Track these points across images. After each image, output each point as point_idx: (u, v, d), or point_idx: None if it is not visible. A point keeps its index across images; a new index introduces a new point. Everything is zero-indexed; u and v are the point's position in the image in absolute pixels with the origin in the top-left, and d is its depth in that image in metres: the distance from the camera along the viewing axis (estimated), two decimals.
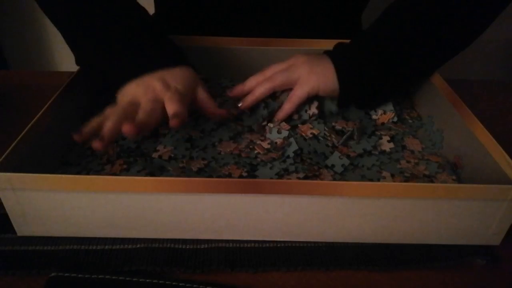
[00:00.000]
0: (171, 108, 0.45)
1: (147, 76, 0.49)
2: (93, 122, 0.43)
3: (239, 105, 0.54)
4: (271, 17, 0.71)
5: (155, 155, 0.48)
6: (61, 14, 0.54)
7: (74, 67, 0.55)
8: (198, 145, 0.50)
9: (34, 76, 0.72)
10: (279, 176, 0.46)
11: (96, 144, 0.40)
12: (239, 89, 0.56)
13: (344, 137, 0.52)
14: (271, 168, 0.47)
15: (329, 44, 0.65)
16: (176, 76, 0.50)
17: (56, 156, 0.48)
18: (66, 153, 0.49)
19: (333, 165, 0.48)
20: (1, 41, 1.41)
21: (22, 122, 0.44)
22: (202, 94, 0.52)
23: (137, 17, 0.54)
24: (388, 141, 0.53)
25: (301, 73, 0.54)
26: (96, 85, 0.57)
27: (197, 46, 0.64)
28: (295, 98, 0.53)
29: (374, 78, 0.54)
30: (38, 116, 0.44)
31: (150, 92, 0.47)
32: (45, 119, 0.45)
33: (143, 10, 0.55)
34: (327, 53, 0.56)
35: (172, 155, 0.48)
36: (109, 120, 0.43)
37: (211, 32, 0.66)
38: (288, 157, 0.48)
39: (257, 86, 0.54)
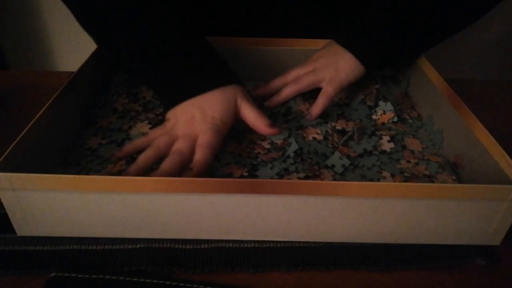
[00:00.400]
0: (198, 154, 0.46)
1: (190, 102, 0.49)
2: (137, 143, 0.49)
3: (265, 104, 0.57)
4: (270, 17, 0.71)
5: None
6: (105, 32, 0.54)
7: (73, 67, 0.55)
8: None
9: (34, 76, 0.72)
10: (280, 176, 0.46)
11: (130, 170, 0.44)
12: (262, 89, 0.59)
13: (345, 137, 0.52)
14: (271, 168, 0.47)
15: None
16: (217, 102, 0.49)
17: (56, 156, 0.48)
18: (66, 153, 0.49)
19: (333, 165, 0.48)
20: (1, 41, 1.41)
21: (22, 122, 0.44)
22: (248, 113, 0.50)
23: (179, 32, 0.53)
24: (388, 141, 0.53)
25: (327, 73, 0.57)
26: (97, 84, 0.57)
27: None
28: (330, 92, 0.56)
29: (388, 43, 0.58)
30: (38, 116, 0.44)
31: (188, 125, 0.48)
32: (45, 119, 0.45)
33: (181, 20, 0.54)
34: (337, 41, 0.59)
35: None
36: (145, 153, 0.46)
37: (211, 32, 0.66)
38: (288, 157, 0.48)
39: (280, 87, 0.58)
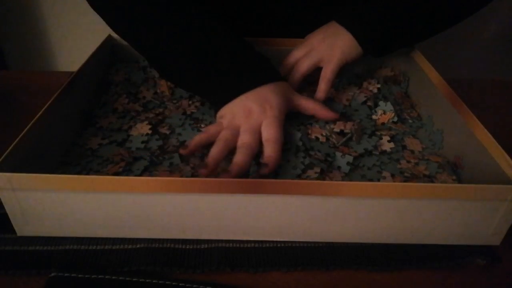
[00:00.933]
0: (270, 150, 0.46)
1: (244, 96, 0.50)
2: (198, 139, 0.47)
3: None
4: (270, 16, 0.71)
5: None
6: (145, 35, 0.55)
7: (73, 67, 0.55)
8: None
9: (34, 76, 0.72)
10: (299, 175, 0.46)
11: (202, 171, 0.44)
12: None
13: (344, 139, 0.52)
14: (294, 168, 0.47)
15: None
16: (272, 94, 0.51)
17: (56, 156, 0.48)
18: (66, 153, 0.49)
19: (339, 167, 0.48)
20: (1, 41, 1.41)
21: (22, 122, 0.44)
22: (304, 101, 0.53)
23: (221, 34, 0.54)
24: (388, 141, 0.53)
25: (324, 52, 0.57)
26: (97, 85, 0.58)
27: None
28: (329, 75, 0.56)
29: (387, 27, 0.58)
30: (38, 116, 0.44)
31: (248, 118, 0.49)
32: (45, 119, 0.45)
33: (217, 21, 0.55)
34: (337, 21, 0.59)
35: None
36: (215, 148, 0.46)
37: None
38: (297, 149, 0.49)
39: (284, 74, 0.58)
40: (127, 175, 0.46)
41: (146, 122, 0.53)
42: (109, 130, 0.53)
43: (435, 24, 0.61)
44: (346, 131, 0.53)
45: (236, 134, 0.48)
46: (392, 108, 0.57)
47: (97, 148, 0.50)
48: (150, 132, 0.52)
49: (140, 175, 0.46)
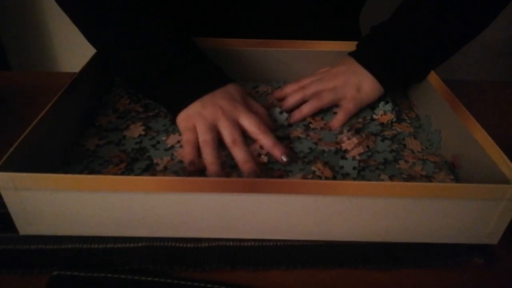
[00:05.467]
0: (268, 141, 0.50)
1: (210, 96, 0.51)
2: (191, 156, 0.47)
3: (286, 119, 0.56)
4: (269, 17, 0.71)
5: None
6: (103, 37, 0.56)
7: (75, 68, 0.56)
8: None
9: (36, 77, 0.72)
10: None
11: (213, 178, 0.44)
12: (279, 93, 0.61)
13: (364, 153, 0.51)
14: (301, 169, 0.48)
15: (329, 46, 0.66)
16: (233, 91, 0.53)
17: (58, 156, 0.48)
18: (68, 153, 0.49)
19: (348, 174, 0.48)
20: (2, 42, 1.41)
21: (24, 122, 0.44)
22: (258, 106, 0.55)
23: (176, 37, 0.55)
24: (389, 141, 0.53)
25: (348, 92, 0.57)
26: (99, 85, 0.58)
27: None
28: (351, 110, 0.57)
29: (407, 67, 0.58)
30: (40, 116, 0.44)
31: (221, 114, 0.50)
32: (47, 120, 0.45)
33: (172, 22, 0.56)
34: (358, 61, 0.59)
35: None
36: (206, 154, 0.47)
37: (210, 33, 0.66)
38: (303, 156, 0.50)
39: (295, 100, 0.58)
40: (128, 175, 0.46)
41: (140, 123, 0.54)
42: (106, 130, 0.53)
43: (451, 50, 0.60)
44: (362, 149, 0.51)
45: (214, 130, 0.49)
46: (391, 109, 0.58)
47: (95, 149, 0.50)
48: (143, 133, 0.52)
49: (141, 174, 0.46)
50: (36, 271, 0.39)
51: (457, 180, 0.49)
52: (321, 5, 0.71)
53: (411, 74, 0.60)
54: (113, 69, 0.60)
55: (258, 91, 0.65)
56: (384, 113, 0.58)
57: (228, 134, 0.49)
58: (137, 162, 0.48)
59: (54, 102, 0.47)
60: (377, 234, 0.42)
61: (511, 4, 0.59)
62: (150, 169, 0.47)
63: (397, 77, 0.59)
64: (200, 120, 0.50)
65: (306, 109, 0.57)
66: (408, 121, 0.59)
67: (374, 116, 0.58)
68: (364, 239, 0.43)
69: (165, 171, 0.47)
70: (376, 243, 0.43)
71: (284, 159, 0.48)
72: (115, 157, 0.48)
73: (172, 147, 0.50)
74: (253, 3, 0.69)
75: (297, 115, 0.57)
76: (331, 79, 0.59)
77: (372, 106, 0.59)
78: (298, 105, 0.58)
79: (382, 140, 0.53)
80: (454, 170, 0.50)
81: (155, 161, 0.48)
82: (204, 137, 0.48)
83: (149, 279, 0.38)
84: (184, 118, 0.51)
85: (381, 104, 0.59)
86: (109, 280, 0.38)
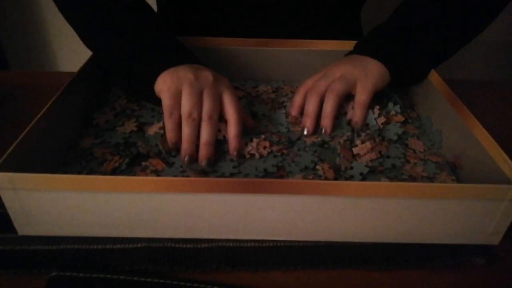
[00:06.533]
0: (232, 129, 0.49)
1: (195, 65, 0.51)
2: (170, 129, 0.48)
3: (323, 132, 0.53)
4: (269, 16, 0.71)
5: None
6: (80, 17, 0.57)
7: (74, 68, 0.56)
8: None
9: (35, 76, 0.72)
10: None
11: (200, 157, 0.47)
12: (294, 112, 0.57)
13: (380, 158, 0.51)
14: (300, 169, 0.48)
15: (330, 45, 0.66)
16: (204, 68, 0.52)
17: (57, 156, 0.48)
18: (67, 153, 0.49)
19: (352, 176, 0.47)
20: (1, 41, 1.41)
21: (23, 122, 0.44)
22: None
23: (153, 20, 0.56)
24: (394, 142, 0.53)
25: (358, 77, 0.54)
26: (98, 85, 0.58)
27: (197, 47, 0.64)
28: (366, 102, 0.54)
29: (412, 55, 0.57)
30: (39, 116, 0.44)
31: (212, 78, 0.50)
32: (46, 120, 0.45)
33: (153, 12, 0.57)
34: (360, 52, 0.58)
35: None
36: (187, 132, 0.48)
37: (210, 33, 0.66)
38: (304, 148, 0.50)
39: (314, 105, 0.54)
40: (123, 169, 0.46)
41: (133, 120, 0.54)
42: (103, 129, 0.53)
43: (454, 45, 0.60)
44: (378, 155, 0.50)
45: (200, 98, 0.48)
46: (399, 110, 0.57)
47: (90, 147, 0.50)
48: (135, 129, 0.52)
49: (131, 164, 0.47)
50: (35, 271, 0.38)
51: (459, 180, 0.48)
52: (322, 3, 0.70)
53: (412, 71, 0.59)
54: (99, 58, 0.59)
55: (258, 91, 0.65)
56: (395, 114, 0.57)
57: (207, 106, 0.48)
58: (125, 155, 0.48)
59: (53, 102, 0.47)
60: (377, 234, 0.42)
61: (511, 4, 0.59)
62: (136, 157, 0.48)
63: (401, 64, 0.57)
64: (185, 83, 0.48)
65: (328, 109, 0.53)
66: (409, 121, 0.58)
67: (381, 117, 0.56)
68: (365, 240, 0.43)
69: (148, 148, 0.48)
70: (377, 243, 0.43)
71: (235, 153, 0.48)
72: (102, 154, 0.48)
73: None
74: (253, 2, 0.69)
75: (327, 122, 0.53)
76: (336, 69, 0.56)
77: (381, 106, 0.59)
78: (318, 110, 0.54)
79: (396, 147, 0.52)
80: (456, 171, 0.50)
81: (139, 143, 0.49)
82: (189, 110, 0.47)
83: (148, 280, 0.38)
84: (163, 80, 0.49)
85: (390, 105, 0.58)
86: (109, 281, 0.37)
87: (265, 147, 0.50)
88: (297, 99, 0.57)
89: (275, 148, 0.50)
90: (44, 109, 0.45)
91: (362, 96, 0.54)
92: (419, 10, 0.59)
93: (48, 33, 1.42)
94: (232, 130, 0.49)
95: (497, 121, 0.63)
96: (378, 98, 0.59)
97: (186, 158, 0.47)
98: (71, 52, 1.42)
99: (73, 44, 1.36)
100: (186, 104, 0.47)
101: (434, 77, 0.58)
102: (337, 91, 0.53)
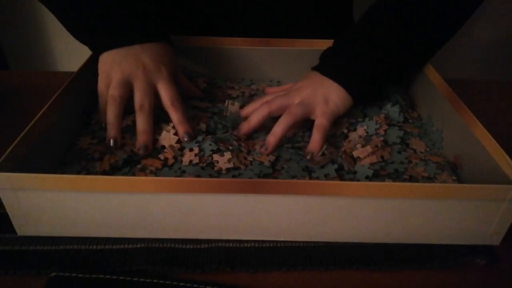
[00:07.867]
0: (175, 116, 0.51)
1: (139, 47, 0.52)
2: (105, 111, 0.50)
3: (264, 148, 0.50)
4: (265, 15, 0.71)
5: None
6: None
7: (74, 68, 0.56)
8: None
9: (34, 76, 0.72)
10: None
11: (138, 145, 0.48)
12: (246, 127, 0.53)
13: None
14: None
15: (326, 44, 0.65)
16: (166, 54, 0.53)
17: (56, 156, 0.48)
18: (66, 153, 0.49)
19: (358, 180, 0.47)
20: (1, 41, 1.41)
21: (22, 122, 0.44)
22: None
23: None
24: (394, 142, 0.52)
25: (317, 105, 0.53)
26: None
27: (194, 46, 0.64)
28: (326, 126, 0.52)
29: (376, 76, 0.56)
30: (38, 116, 0.44)
31: (141, 70, 0.51)
32: (45, 119, 0.45)
33: None
34: (320, 71, 0.56)
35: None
36: (109, 111, 0.49)
37: (207, 32, 0.66)
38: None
39: (261, 116, 0.52)
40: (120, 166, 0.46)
41: (132, 116, 0.53)
42: (100, 129, 0.53)
43: (418, 60, 0.59)
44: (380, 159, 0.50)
45: (126, 87, 0.50)
46: (398, 111, 0.57)
47: (89, 147, 0.50)
48: (130, 123, 0.52)
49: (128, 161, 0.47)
50: (34, 272, 0.38)
51: (459, 181, 0.48)
52: (316, 1, 0.70)
53: (375, 82, 0.57)
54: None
55: (257, 89, 0.65)
56: (392, 113, 0.57)
57: (139, 97, 0.50)
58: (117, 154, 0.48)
59: (52, 101, 0.47)
60: (378, 235, 0.42)
61: (511, 4, 0.58)
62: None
63: (364, 86, 0.55)
64: (117, 71, 0.50)
65: (278, 129, 0.51)
66: (410, 121, 0.58)
67: (380, 116, 0.56)
68: (365, 240, 0.43)
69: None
70: (377, 244, 0.43)
71: (186, 138, 0.49)
72: (94, 152, 0.48)
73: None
74: (249, 1, 0.68)
75: (271, 139, 0.50)
76: (296, 93, 0.54)
77: (380, 107, 0.59)
78: (263, 122, 0.53)
79: (399, 152, 0.51)
80: (456, 171, 0.50)
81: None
82: (113, 92, 0.49)
83: (148, 280, 0.38)
84: (104, 61, 0.52)
85: (389, 105, 0.58)
86: (108, 281, 0.37)
87: (245, 158, 0.49)
88: (250, 109, 0.55)
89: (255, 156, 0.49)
90: (44, 109, 0.45)
91: (322, 120, 0.52)
92: (386, 18, 0.56)
93: (48, 33, 1.42)
94: (174, 118, 0.51)
95: (498, 121, 0.63)
96: (380, 98, 0.59)
97: (111, 141, 0.48)
98: (70, 52, 1.42)
99: (73, 44, 1.36)
100: (112, 92, 0.50)
101: (435, 77, 0.58)
102: (294, 116, 0.52)
